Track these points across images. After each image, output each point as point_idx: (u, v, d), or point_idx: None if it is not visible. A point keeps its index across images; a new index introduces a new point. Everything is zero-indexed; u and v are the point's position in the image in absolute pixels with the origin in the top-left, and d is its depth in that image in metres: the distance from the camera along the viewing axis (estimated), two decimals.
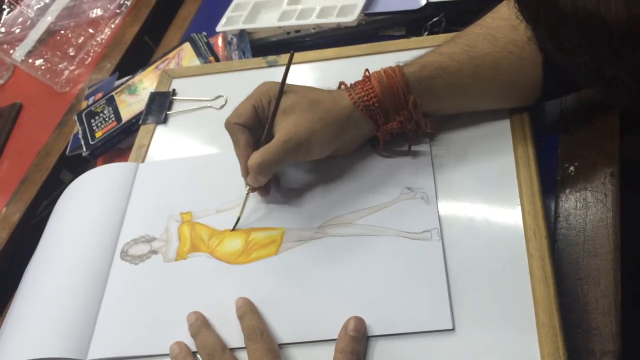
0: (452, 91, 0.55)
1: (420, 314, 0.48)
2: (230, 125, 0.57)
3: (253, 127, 0.57)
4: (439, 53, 0.55)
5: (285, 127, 0.54)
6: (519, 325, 0.46)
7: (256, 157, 0.54)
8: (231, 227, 0.58)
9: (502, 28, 0.53)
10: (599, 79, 0.31)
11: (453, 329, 0.47)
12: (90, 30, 1.04)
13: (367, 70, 0.57)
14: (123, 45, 0.98)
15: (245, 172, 0.56)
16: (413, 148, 0.58)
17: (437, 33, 0.72)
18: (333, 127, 0.55)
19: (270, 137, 0.55)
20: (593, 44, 0.30)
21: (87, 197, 0.64)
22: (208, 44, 0.83)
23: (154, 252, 0.58)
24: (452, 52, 0.55)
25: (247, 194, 0.57)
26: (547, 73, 0.53)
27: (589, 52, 0.30)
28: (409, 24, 0.76)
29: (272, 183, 0.59)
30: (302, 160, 0.58)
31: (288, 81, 0.56)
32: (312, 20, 0.78)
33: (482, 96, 0.57)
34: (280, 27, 0.81)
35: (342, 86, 0.58)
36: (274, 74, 0.59)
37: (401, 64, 0.56)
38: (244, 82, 0.69)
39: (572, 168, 0.57)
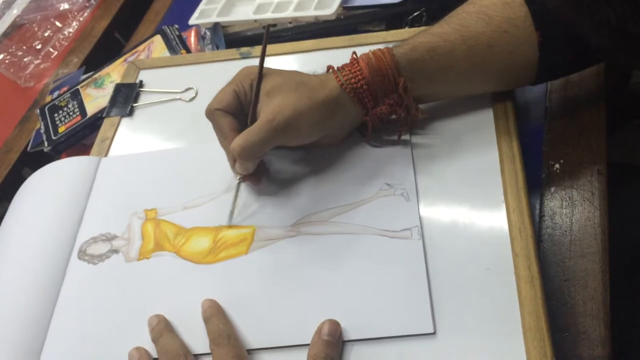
0: (444, 73, 0.53)
1: (399, 317, 0.45)
2: (211, 112, 0.53)
3: (235, 112, 0.53)
4: (430, 33, 0.53)
5: (269, 108, 0.51)
6: (504, 328, 0.43)
7: (238, 140, 0.50)
8: (201, 225, 0.54)
9: (495, 6, 0.51)
10: (623, 37, 0.28)
11: (434, 333, 0.44)
12: (58, 24, 0.99)
13: (354, 52, 0.54)
14: (92, 39, 0.94)
15: (233, 160, 0.52)
16: (392, 146, 0.55)
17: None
18: (322, 109, 0.51)
19: (255, 120, 0.52)
20: None
21: (44, 192, 0.60)
22: (180, 37, 0.79)
23: (115, 251, 0.54)
24: (444, 32, 0.52)
25: (239, 184, 0.53)
26: (543, 53, 0.51)
27: (613, 6, 0.27)
28: (389, 19, 0.74)
29: (263, 172, 0.55)
30: (288, 144, 0.53)
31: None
32: (289, 13, 0.75)
33: (476, 78, 0.54)
34: (255, 21, 0.78)
35: (330, 70, 0.55)
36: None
37: (391, 46, 0.53)
38: (216, 74, 0.66)
39: (557, 166, 0.55)
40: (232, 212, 0.54)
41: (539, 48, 0.51)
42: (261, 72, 0.53)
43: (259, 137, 0.50)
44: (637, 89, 1.07)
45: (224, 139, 0.53)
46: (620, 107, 0.59)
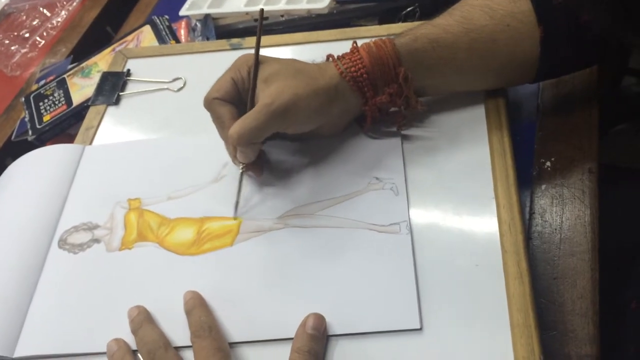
0: (445, 65, 0.52)
1: (385, 312, 0.44)
2: (209, 101, 0.51)
3: (234, 101, 0.52)
4: (432, 25, 0.52)
5: (267, 93, 0.49)
6: (492, 325, 0.43)
7: (236, 126, 0.48)
8: (187, 215, 0.53)
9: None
10: (623, 10, 0.27)
11: (421, 329, 0.43)
12: (47, 13, 0.98)
13: (355, 41, 0.53)
14: (80, 29, 0.93)
15: (234, 150, 0.51)
16: (382, 140, 0.54)
17: None
18: (321, 97, 0.50)
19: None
20: None
21: (25, 180, 0.58)
22: (170, 28, 0.78)
23: (96, 240, 0.53)
24: (447, 24, 0.51)
25: (242, 173, 0.52)
26: (544, 50, 0.50)
27: None
28: (382, 14, 0.73)
29: (263, 162, 0.54)
30: (286, 130, 0.52)
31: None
32: (281, 6, 0.74)
33: (477, 72, 0.53)
34: (247, 13, 0.77)
35: (329, 59, 0.54)
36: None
37: (392, 37, 0.52)
38: (205, 65, 0.66)
39: (548, 163, 0.54)
40: (237, 203, 0.52)
41: (540, 43, 0.50)
42: (257, 58, 0.51)
43: (257, 122, 0.48)
44: (626, 93, 1.07)
45: (223, 129, 0.51)
46: (608, 111, 0.59)
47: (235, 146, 0.50)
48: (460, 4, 0.53)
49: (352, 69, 0.51)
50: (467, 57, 0.51)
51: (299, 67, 0.51)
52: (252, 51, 0.52)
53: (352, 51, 0.52)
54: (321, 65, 0.53)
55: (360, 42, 0.53)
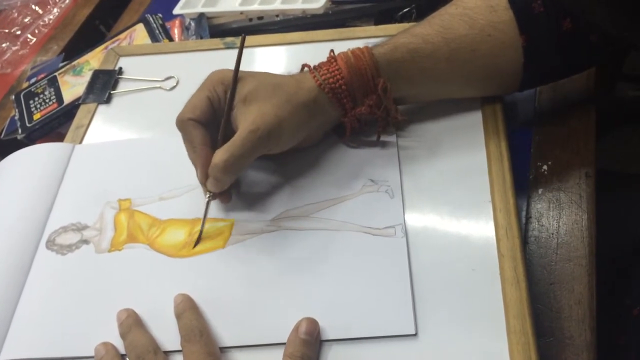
0: (425, 76, 0.51)
1: (380, 317, 0.43)
2: (183, 123, 0.49)
3: (208, 122, 0.50)
4: (411, 34, 0.51)
5: (249, 117, 0.48)
6: (488, 331, 0.42)
7: (221, 154, 0.47)
8: (179, 216, 0.52)
9: (479, 8, 0.50)
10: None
11: (416, 334, 0.42)
12: (38, 10, 0.97)
13: (332, 51, 0.52)
14: (72, 27, 0.92)
15: (204, 177, 0.49)
16: (381, 138, 0.53)
17: None
18: (302, 112, 0.49)
19: (229, 130, 0.49)
20: None
21: (13, 178, 0.57)
22: (163, 27, 0.77)
23: (85, 241, 0.52)
24: (426, 34, 0.50)
25: (208, 202, 0.49)
26: (528, 59, 0.50)
27: None
28: (377, 15, 0.72)
29: (232, 187, 0.52)
30: (268, 152, 0.50)
31: (244, 67, 0.50)
32: (276, 5, 0.74)
33: (458, 82, 0.53)
34: (242, 13, 0.76)
35: (306, 68, 0.53)
36: (232, 56, 0.54)
37: (370, 46, 0.51)
38: (198, 64, 0.65)
39: (545, 167, 0.54)
40: (200, 233, 0.50)
41: (523, 53, 0.49)
42: (235, 79, 0.49)
43: (244, 150, 0.47)
44: (621, 98, 1.07)
45: (194, 153, 0.49)
46: (604, 116, 0.59)
47: (212, 174, 0.48)
48: (439, 13, 0.52)
49: (331, 80, 0.50)
50: (448, 67, 0.51)
51: (277, 82, 0.50)
52: (227, 66, 0.50)
53: (329, 61, 0.51)
54: (298, 77, 0.51)
55: (353, 44, 0.52)
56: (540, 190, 0.53)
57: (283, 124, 0.48)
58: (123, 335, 0.45)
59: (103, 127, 0.62)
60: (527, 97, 0.59)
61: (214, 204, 0.52)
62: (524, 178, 0.53)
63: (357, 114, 0.51)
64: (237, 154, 0.47)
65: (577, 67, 0.55)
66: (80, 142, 0.61)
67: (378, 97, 0.51)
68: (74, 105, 0.69)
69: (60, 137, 0.72)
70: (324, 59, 0.52)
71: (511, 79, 0.52)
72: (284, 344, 0.43)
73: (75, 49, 0.87)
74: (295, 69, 0.54)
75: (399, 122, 0.53)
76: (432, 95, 0.54)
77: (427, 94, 0.54)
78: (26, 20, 0.96)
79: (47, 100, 0.73)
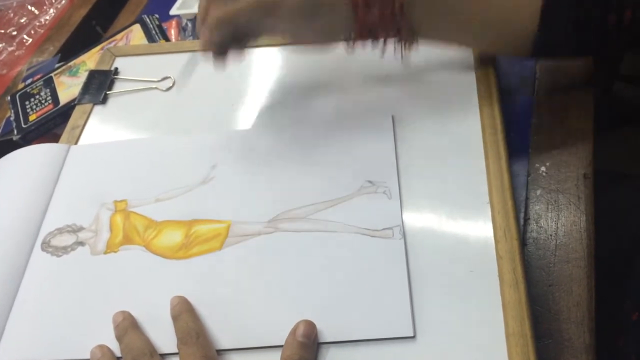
0: (445, 11, 0.50)
1: (378, 319, 0.43)
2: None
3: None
4: None
5: None
6: (487, 333, 0.42)
7: (217, 10, 0.47)
8: (175, 218, 0.51)
9: None
10: None
11: (414, 337, 0.42)
12: (35, 10, 0.96)
13: None
14: (69, 27, 0.91)
15: (201, 20, 0.49)
16: (375, 143, 0.53)
17: None
18: None
19: None
20: None
21: (8, 180, 0.57)
22: (160, 27, 0.77)
23: (81, 243, 0.51)
24: None
25: (195, 54, 0.50)
26: (543, 21, 0.48)
27: None
28: None
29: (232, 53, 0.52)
30: (265, 27, 0.50)
31: (244, 67, 0.50)
32: None
33: (474, 28, 0.51)
34: None
35: None
36: None
37: None
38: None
39: (543, 168, 0.54)
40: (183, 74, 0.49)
41: (540, 16, 0.48)
42: None
43: (240, 6, 0.47)
44: (618, 99, 1.07)
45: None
46: (601, 116, 0.58)
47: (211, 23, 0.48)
48: None
49: None
50: (467, 9, 0.50)
51: None
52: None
53: None
54: None
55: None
56: (538, 192, 0.52)
57: None
58: (119, 338, 0.45)
59: (99, 128, 0.62)
60: (525, 97, 0.59)
61: (213, 205, 0.52)
62: (522, 179, 0.53)
63: (369, 20, 0.49)
64: (234, 8, 0.47)
65: (590, 48, 0.53)
66: (76, 143, 0.60)
67: (393, 14, 0.49)
68: (70, 106, 0.69)
69: (56, 138, 0.72)
70: (324, 59, 0.52)
71: (524, 40, 0.50)
72: (281, 346, 0.42)
73: (71, 49, 0.86)
74: (295, 69, 0.53)
75: (411, 47, 0.51)
76: (446, 37, 0.53)
77: (442, 32, 0.52)
78: (22, 20, 0.96)
79: (43, 101, 0.72)
